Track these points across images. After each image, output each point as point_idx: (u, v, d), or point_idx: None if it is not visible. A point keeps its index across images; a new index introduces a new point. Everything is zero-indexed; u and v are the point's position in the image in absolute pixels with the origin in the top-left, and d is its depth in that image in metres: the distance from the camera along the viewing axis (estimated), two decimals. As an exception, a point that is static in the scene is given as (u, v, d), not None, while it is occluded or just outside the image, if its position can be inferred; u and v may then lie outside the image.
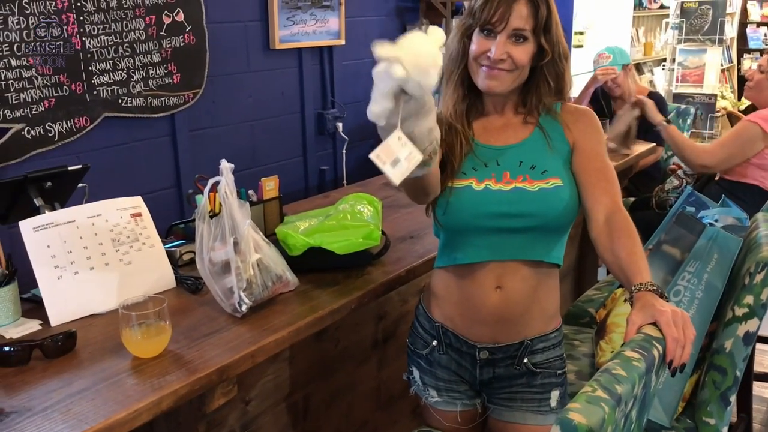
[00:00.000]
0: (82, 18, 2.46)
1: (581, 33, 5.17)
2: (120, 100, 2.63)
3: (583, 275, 3.19)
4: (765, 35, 8.29)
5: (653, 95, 3.77)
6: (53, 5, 2.38)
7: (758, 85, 2.97)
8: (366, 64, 3.71)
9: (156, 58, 2.74)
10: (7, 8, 2.26)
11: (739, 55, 8.10)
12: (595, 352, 1.93)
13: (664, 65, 6.36)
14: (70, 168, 1.78)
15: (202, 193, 1.74)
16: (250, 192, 2.02)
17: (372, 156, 1.13)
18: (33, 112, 2.38)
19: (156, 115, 2.78)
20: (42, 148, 2.42)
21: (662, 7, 6.48)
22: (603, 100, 3.72)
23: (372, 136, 3.84)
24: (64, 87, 2.45)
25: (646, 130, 3.63)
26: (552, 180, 1.49)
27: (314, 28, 3.36)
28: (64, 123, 2.47)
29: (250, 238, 1.53)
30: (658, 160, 3.73)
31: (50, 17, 2.38)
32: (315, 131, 3.52)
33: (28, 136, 2.38)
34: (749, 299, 1.55)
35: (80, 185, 1.76)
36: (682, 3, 6.02)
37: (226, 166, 1.57)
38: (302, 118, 3.44)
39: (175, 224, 1.97)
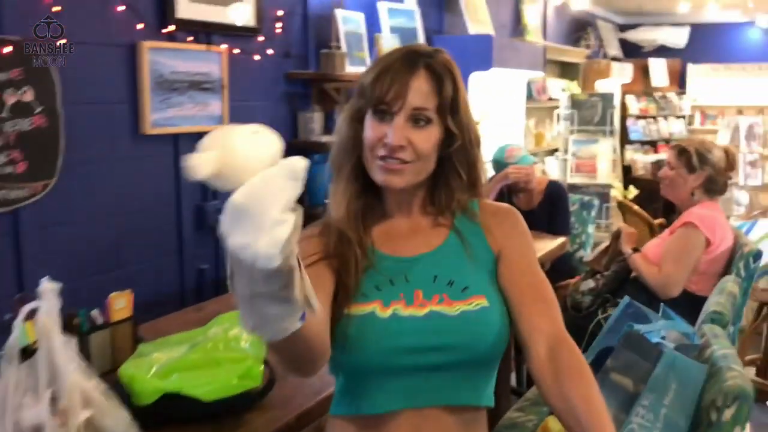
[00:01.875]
0: None
1: (476, 123, 5.07)
2: (-56, 194, 2.15)
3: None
4: (643, 128, 8.67)
5: (553, 184, 3.65)
6: None
7: (672, 182, 2.92)
8: (253, 152, 3.37)
9: (-5, 144, 2.29)
10: None
11: (622, 147, 8.39)
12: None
13: (556, 155, 6.41)
14: None
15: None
16: (94, 313, 1.59)
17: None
18: None
19: (-7, 211, 2.31)
20: None
21: (551, 99, 6.59)
22: (508, 194, 3.54)
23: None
24: None
25: (549, 221, 3.46)
26: (475, 299, 1.18)
27: (193, 112, 3.01)
28: None
29: (77, 389, 1.11)
30: (564, 252, 3.56)
31: None
32: (193, 226, 3.11)
33: None
34: (718, 440, 1.27)
35: None
36: (572, 95, 6.12)
37: (48, 287, 1.17)
38: (178, 212, 3.03)
39: None
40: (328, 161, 1.29)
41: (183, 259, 3.10)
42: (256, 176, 0.77)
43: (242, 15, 3.22)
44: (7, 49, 2.27)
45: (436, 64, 1.21)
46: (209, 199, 3.14)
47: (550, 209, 3.43)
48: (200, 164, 0.79)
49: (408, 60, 1.19)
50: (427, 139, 1.19)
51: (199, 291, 3.16)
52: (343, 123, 1.27)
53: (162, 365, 1.30)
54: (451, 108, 1.20)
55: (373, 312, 1.16)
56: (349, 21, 3.77)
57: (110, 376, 1.47)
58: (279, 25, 3.45)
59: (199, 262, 3.16)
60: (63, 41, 2.43)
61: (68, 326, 1.49)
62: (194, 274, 3.16)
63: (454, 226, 1.26)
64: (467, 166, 1.24)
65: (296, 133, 3.61)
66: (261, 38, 3.33)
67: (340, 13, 3.71)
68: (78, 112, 2.56)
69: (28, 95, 2.37)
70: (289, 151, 3.60)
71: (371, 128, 1.19)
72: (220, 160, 0.79)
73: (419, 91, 1.17)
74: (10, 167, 2.34)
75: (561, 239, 3.23)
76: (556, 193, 3.49)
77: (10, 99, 2.32)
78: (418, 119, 1.18)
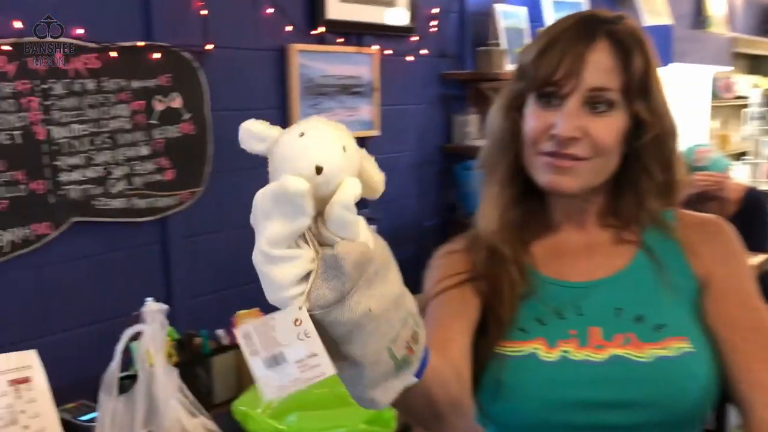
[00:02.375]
0: (48, 102, 2.01)
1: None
2: (94, 202, 2.14)
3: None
4: None
5: (752, 193, 3.15)
6: (11, 87, 1.93)
7: None
8: (406, 157, 3.21)
9: (144, 151, 2.26)
10: (-51, 90, 1.82)
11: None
12: None
13: (744, 159, 5.71)
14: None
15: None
16: (219, 332, 1.45)
17: (239, 333, 0.61)
18: (-24, 217, 1.90)
19: (142, 219, 2.28)
20: (-14, 262, 1.93)
21: (739, 97, 5.90)
22: (695, 203, 3.10)
23: (414, 241, 3.29)
24: (21, 186, 1.98)
25: (746, 235, 2.97)
26: (674, 342, 0.89)
27: (342, 117, 2.88)
28: (18, 231, 1.98)
29: (177, 429, 0.95)
30: (762, 272, 3.05)
31: (7, 101, 1.93)
32: (342, 236, 2.97)
33: (-32, 247, 1.89)
34: None
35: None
36: (766, 90, 5.42)
37: (152, 308, 1.02)
38: (327, 221, 2.91)
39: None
40: (478, 161, 1.05)
41: (332, 270, 2.97)
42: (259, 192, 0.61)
43: (395, 14, 3.05)
44: (156, 55, 2.24)
45: (620, 32, 0.94)
46: (360, 207, 2.99)
47: (747, 222, 2.94)
48: (254, 132, 0.62)
49: (584, 28, 0.93)
50: (609, 128, 0.91)
51: (347, 304, 3.01)
52: (497, 113, 1.02)
53: (282, 400, 1.12)
54: (640, 88, 0.93)
55: (535, 353, 0.91)
56: (509, 16, 3.50)
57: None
58: (434, 23, 3.25)
59: (348, 273, 3.02)
60: (210, 46, 2.37)
61: (188, 347, 1.36)
62: (343, 287, 3.03)
63: (643, 242, 0.97)
64: (662, 165, 0.96)
65: (450, 137, 3.39)
66: (415, 38, 3.15)
67: (499, 8, 3.45)
68: (226, 119, 2.49)
69: (177, 102, 2.33)
70: (443, 156, 3.42)
71: (534, 117, 0.94)
72: (272, 146, 0.61)
73: (599, 67, 0.91)
74: (159, 175, 2.31)
75: (761, 257, 2.75)
76: (755, 203, 3.00)
77: (159, 106, 2.29)
78: (596, 103, 0.91)
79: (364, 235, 0.63)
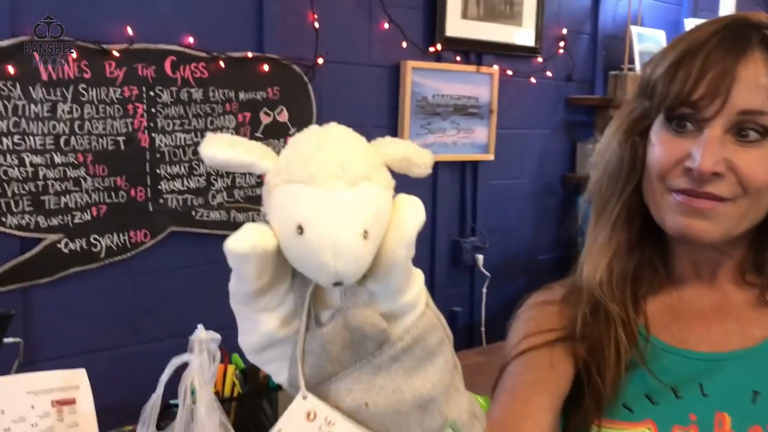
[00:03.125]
0: (154, 110, 2.00)
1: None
2: (194, 212, 2.11)
3: None
4: None
5: None
6: (118, 93, 1.93)
7: None
8: (522, 185, 3.02)
9: (246, 164, 2.21)
10: (58, 93, 1.84)
11: None
12: None
13: None
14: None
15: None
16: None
17: None
18: (75, 221, 1.90)
19: (240, 233, 2.22)
20: (82, 266, 1.93)
21: None
22: None
23: (526, 274, 3.08)
24: (121, 192, 1.97)
25: None
26: None
27: (455, 139, 2.73)
28: (115, 236, 1.98)
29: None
30: None
31: (113, 107, 1.93)
32: (448, 263, 2.82)
33: (66, 251, 1.90)
34: None
35: (9, 340, 1.16)
36: None
37: (202, 336, 0.91)
38: (431, 247, 2.76)
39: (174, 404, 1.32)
40: (585, 195, 0.87)
41: (434, 299, 2.82)
42: None
43: (520, 34, 2.88)
44: (266, 67, 2.19)
45: None
46: (467, 234, 2.83)
47: None
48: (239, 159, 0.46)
49: (733, 34, 0.73)
50: (762, 162, 0.71)
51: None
52: (613, 138, 0.84)
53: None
54: None
55: (641, 439, 0.72)
56: (646, 39, 3.24)
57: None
58: (561, 44, 3.05)
59: (452, 303, 2.86)
60: (321, 60, 2.30)
61: (254, 379, 1.25)
62: (446, 317, 2.86)
63: (793, 308, 0.76)
64: None
65: (573, 166, 3.16)
66: (539, 59, 2.97)
67: (635, 30, 3.20)
68: (333, 135, 2.41)
69: (284, 115, 2.28)
70: (565, 186, 3.19)
71: (664, 145, 0.75)
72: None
73: (753, 84, 0.70)
74: (260, 188, 2.24)
75: None
76: None
77: (266, 118, 2.24)
78: (746, 130, 0.71)
79: (412, 295, 0.48)
